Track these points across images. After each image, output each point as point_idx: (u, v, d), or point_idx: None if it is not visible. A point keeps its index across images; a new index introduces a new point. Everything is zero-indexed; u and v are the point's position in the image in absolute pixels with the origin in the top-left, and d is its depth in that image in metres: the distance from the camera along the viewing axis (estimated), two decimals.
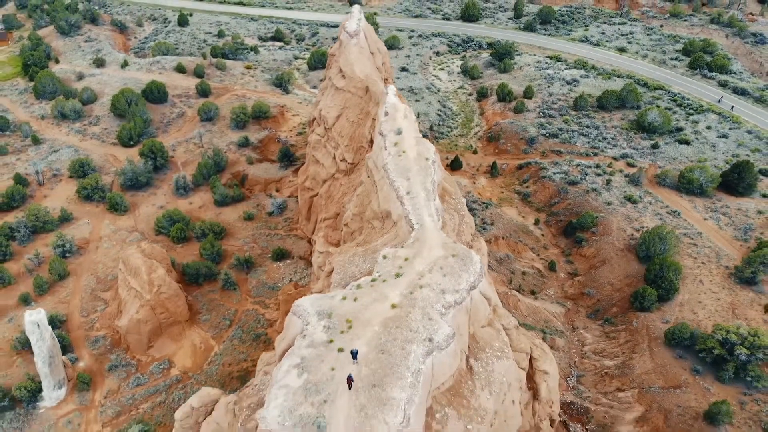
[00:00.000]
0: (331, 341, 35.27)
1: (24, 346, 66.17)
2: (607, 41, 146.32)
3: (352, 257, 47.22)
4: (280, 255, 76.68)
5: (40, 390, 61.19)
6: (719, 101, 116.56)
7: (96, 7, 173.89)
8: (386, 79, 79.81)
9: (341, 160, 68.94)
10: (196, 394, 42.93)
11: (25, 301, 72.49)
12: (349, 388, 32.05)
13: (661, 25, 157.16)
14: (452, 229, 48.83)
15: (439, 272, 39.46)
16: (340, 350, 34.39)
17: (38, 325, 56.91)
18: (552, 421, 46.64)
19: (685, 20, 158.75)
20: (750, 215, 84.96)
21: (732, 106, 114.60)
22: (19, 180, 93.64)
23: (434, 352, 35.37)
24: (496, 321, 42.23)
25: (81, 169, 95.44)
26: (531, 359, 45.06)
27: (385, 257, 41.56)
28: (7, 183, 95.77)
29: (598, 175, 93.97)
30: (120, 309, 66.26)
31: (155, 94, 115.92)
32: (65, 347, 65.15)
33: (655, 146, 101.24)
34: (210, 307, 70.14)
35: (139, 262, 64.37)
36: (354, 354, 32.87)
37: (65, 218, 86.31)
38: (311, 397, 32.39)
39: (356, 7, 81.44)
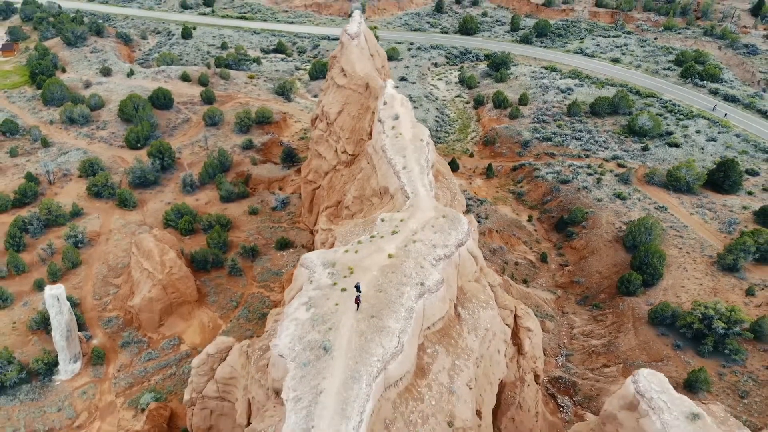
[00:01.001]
0: (335, 284, 41.09)
1: (39, 326, 71.71)
2: (601, 52, 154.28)
3: (353, 227, 53.23)
4: (284, 244, 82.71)
5: (56, 364, 66.54)
6: (713, 109, 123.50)
7: (101, 21, 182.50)
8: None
9: (342, 152, 75.37)
10: (211, 343, 48.57)
11: (40, 286, 78.07)
12: (357, 309, 37.98)
13: (656, 38, 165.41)
14: (445, 204, 54.89)
15: (430, 230, 45.49)
16: (343, 290, 40.20)
17: (58, 299, 62.54)
18: (537, 376, 52.14)
19: (679, 33, 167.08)
20: (735, 211, 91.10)
21: (725, 114, 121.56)
22: (31, 178, 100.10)
23: (425, 295, 41.16)
24: (482, 278, 48.07)
25: (90, 169, 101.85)
26: (516, 317, 50.79)
27: (383, 220, 47.60)
28: (18, 182, 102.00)
29: (589, 174, 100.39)
30: (132, 290, 71.99)
31: (161, 100, 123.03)
32: (80, 326, 70.52)
33: (645, 148, 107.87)
34: (217, 290, 75.92)
35: (151, 245, 70.36)
36: (357, 287, 38.72)
37: (76, 213, 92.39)
38: (318, 326, 38.12)
39: (357, 12, 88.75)
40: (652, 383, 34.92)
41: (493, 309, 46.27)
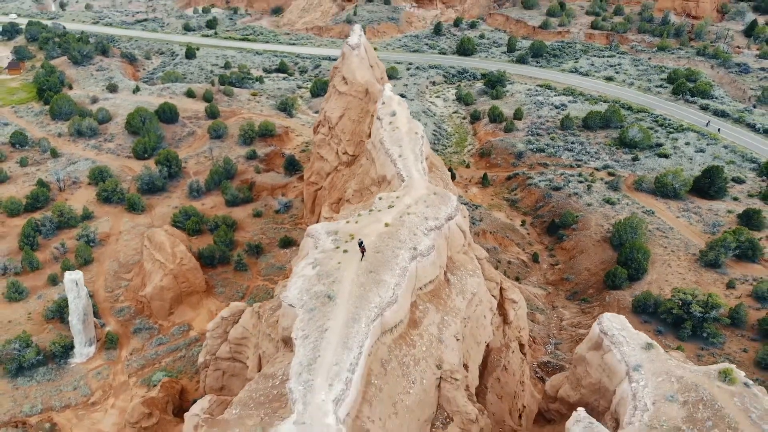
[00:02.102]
0: (337, 247, 47.79)
1: (54, 314, 77.96)
2: (595, 71, 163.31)
3: (352, 210, 60.20)
4: (287, 243, 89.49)
5: (72, 347, 72.68)
6: (707, 124, 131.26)
7: (106, 41, 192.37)
8: None
9: (343, 153, 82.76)
10: (225, 308, 54.99)
11: (54, 281, 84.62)
12: (362, 256, 44.74)
13: (649, 58, 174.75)
14: None
15: (423, 204, 52.41)
16: (345, 251, 46.87)
17: (76, 284, 69.06)
18: (521, 345, 58.47)
19: (672, 53, 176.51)
20: (720, 215, 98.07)
21: (719, 129, 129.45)
22: (42, 185, 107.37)
23: (418, 258, 47.82)
24: (470, 251, 54.82)
25: (100, 176, 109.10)
26: (501, 290, 57.40)
27: (380, 198, 54.55)
28: (28, 189, 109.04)
29: (580, 182, 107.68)
30: (144, 282, 78.51)
31: (167, 114, 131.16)
32: (94, 315, 76.93)
33: (635, 159, 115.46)
34: (224, 283, 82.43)
35: (163, 238, 77.18)
36: (360, 243, 45.56)
37: (87, 216, 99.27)
38: (323, 280, 44.75)
39: (357, 25, 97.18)
40: (613, 323, 41.49)
41: (479, 277, 52.93)
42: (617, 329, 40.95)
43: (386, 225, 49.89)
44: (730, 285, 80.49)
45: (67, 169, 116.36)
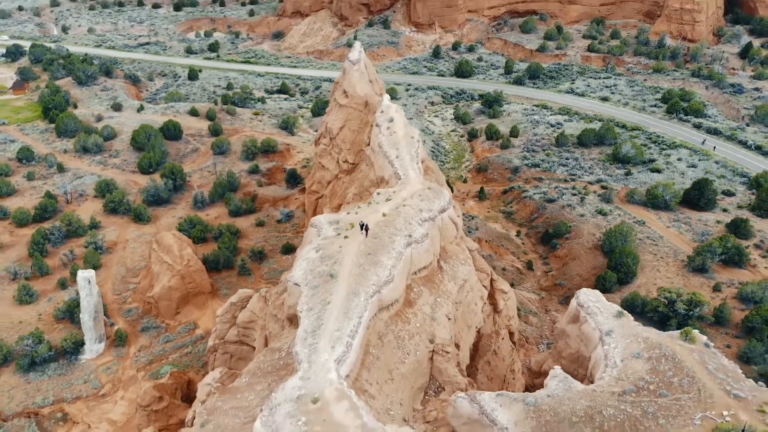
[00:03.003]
0: (338, 234, 53.35)
1: (65, 315, 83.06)
2: (591, 92, 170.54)
3: (352, 208, 65.82)
4: (289, 249, 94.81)
5: (82, 344, 77.63)
6: (703, 143, 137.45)
7: (109, 62, 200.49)
8: None
9: (344, 162, 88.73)
10: (234, 294, 60.19)
11: (63, 285, 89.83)
12: (366, 235, 50.24)
13: (645, 79, 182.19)
14: None
15: (417, 198, 58.05)
16: (346, 237, 52.39)
17: (89, 281, 74.35)
18: (511, 334, 63.52)
19: (668, 74, 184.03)
20: (709, 224, 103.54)
21: (714, 147, 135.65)
22: (50, 196, 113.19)
23: (413, 245, 53.22)
24: (462, 243, 60.31)
25: (106, 188, 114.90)
26: (492, 281, 62.71)
27: (378, 193, 60.26)
28: (35, 202, 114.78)
29: (574, 195, 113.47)
30: (152, 284, 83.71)
31: (171, 131, 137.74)
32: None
33: (628, 173, 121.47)
34: (228, 286, 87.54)
35: (171, 241, 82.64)
36: (362, 225, 51.17)
37: (94, 226, 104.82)
38: (326, 261, 50.13)
39: (357, 42, 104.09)
40: (589, 297, 46.81)
41: (470, 266, 58.34)
42: (592, 302, 46.27)
43: (383, 215, 55.45)
44: (716, 288, 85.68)
45: (73, 182, 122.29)
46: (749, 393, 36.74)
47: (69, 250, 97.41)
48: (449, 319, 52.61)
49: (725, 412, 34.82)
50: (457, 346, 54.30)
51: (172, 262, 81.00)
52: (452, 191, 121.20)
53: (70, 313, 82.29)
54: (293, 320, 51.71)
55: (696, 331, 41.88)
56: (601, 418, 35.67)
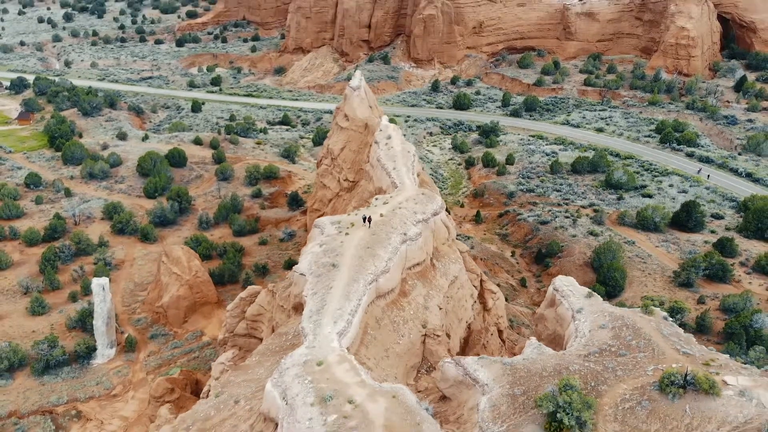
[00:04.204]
0: (340, 232, 60.96)
1: (76, 324, 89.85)
2: (587, 124, 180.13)
3: (353, 212, 73.57)
4: (291, 265, 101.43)
5: (94, 350, 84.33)
6: (698, 172, 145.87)
7: (114, 95, 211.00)
8: None
9: (344, 180, 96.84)
10: (243, 291, 67.29)
11: (74, 298, 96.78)
12: (369, 227, 57.76)
13: (640, 112, 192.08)
14: None
15: (412, 202, 65.83)
16: (347, 234, 59.97)
17: (103, 288, 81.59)
18: (500, 332, 70.43)
19: (663, 107, 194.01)
20: (697, 244, 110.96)
21: (708, 175, 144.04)
22: (59, 218, 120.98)
23: (407, 242, 60.77)
24: (453, 245, 67.85)
25: (113, 210, 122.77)
26: (481, 281, 69.98)
27: (376, 198, 68.09)
28: (44, 224, 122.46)
29: (567, 217, 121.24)
30: (160, 294, 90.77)
31: (176, 158, 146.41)
32: None
33: (620, 198, 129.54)
34: (233, 298, 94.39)
35: (180, 253, 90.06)
36: (365, 218, 58.79)
37: (102, 245, 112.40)
38: (328, 254, 57.58)
39: (358, 71, 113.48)
40: (563, 282, 54.11)
41: (461, 265, 65.74)
42: (566, 286, 53.54)
43: (381, 215, 63.18)
44: (700, 300, 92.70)
45: (80, 206, 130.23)
46: (698, 352, 43.81)
47: (79, 266, 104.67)
48: (440, 309, 59.82)
49: (674, 365, 41.81)
50: (448, 335, 61.30)
51: (181, 273, 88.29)
52: (449, 214, 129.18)
53: (82, 322, 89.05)
54: (299, 308, 58.79)
55: (656, 308, 49.12)
56: (567, 372, 42.62)
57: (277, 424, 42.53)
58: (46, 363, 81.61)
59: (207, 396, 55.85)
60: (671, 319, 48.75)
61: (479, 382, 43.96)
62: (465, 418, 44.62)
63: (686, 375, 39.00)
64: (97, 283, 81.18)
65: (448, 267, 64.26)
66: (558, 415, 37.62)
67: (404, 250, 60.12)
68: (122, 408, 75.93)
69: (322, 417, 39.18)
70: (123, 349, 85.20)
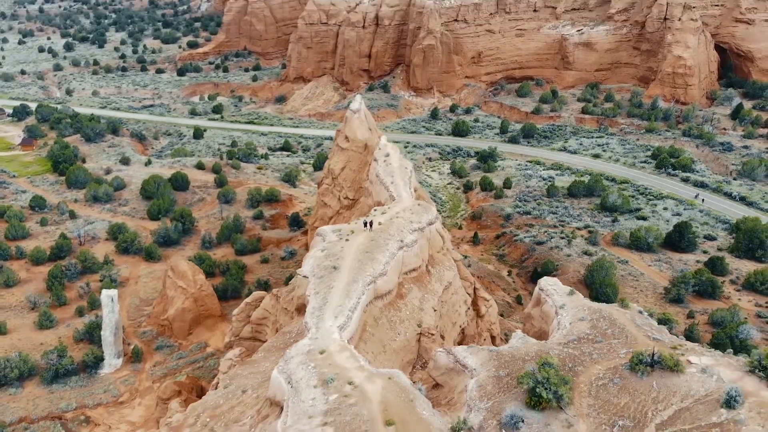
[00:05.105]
0: (341, 238, 66.74)
1: (84, 337, 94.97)
2: (584, 150, 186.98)
3: (353, 221, 79.39)
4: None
5: (101, 360, 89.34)
6: (696, 197, 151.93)
7: (116, 122, 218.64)
8: None
9: (345, 198, 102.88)
10: (249, 296, 72.66)
11: (80, 313, 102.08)
12: (370, 230, 63.49)
13: (637, 139, 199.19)
14: None
15: (409, 212, 71.66)
16: (347, 240, 65.71)
17: (112, 299, 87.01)
18: (493, 338, 75.62)
19: (660, 134, 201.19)
20: (689, 264, 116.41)
21: (703, 199, 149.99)
22: (65, 237, 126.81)
23: (404, 248, 66.47)
24: (448, 254, 73.51)
25: (118, 231, 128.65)
26: (475, 289, 75.45)
27: (375, 209, 74.00)
28: (49, 244, 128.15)
29: (562, 238, 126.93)
30: (166, 308, 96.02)
31: (179, 182, 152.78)
32: None
33: (614, 220, 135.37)
34: None
35: (185, 267, 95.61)
36: (365, 223, 64.54)
37: (108, 263, 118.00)
38: (330, 258, 63.23)
39: (358, 95, 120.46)
40: (548, 282, 59.66)
41: (455, 272, 71.30)
42: (550, 286, 59.09)
43: (379, 224, 69.06)
44: (690, 315, 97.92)
45: (85, 227, 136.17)
46: (668, 339, 49.24)
47: (85, 283, 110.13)
48: (435, 311, 65.23)
49: (644, 349, 47.19)
50: (442, 336, 66.60)
51: (186, 286, 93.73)
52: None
53: (89, 334, 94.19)
54: (301, 310, 64.23)
55: (631, 303, 54.61)
56: (548, 359, 47.99)
57: (282, 408, 47.70)
58: (55, 372, 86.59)
59: (216, 388, 60.97)
60: (645, 313, 54.18)
61: (468, 367, 49.17)
62: (455, 400, 49.76)
63: (653, 354, 44.35)
64: (106, 295, 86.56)
65: (442, 273, 69.81)
66: (537, 390, 42.78)
67: (401, 255, 65.73)
68: (129, 413, 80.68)
69: (324, 396, 44.24)
70: (129, 360, 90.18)
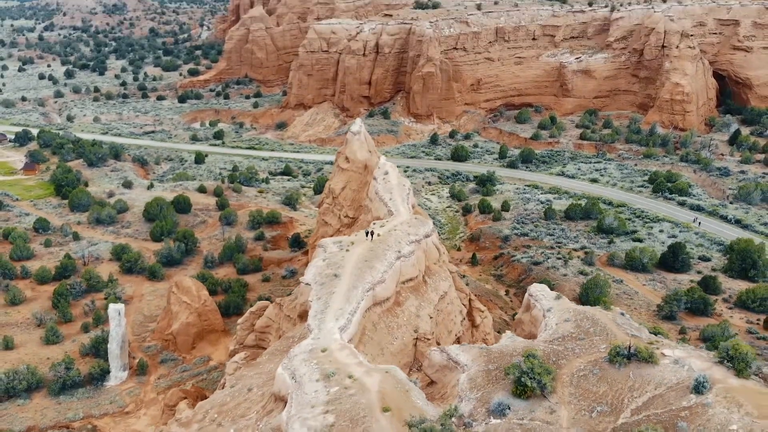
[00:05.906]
0: (341, 249, 71.83)
1: (90, 351, 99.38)
2: (582, 175, 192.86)
3: (352, 234, 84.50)
4: None
5: (107, 372, 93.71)
6: (694, 221, 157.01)
7: (118, 147, 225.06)
8: None
9: (345, 217, 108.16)
10: (254, 305, 77.39)
11: (86, 329, 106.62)
12: (371, 240, 68.53)
13: (635, 164, 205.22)
14: None
15: (406, 225, 76.84)
16: (347, 250, 70.79)
17: (119, 313, 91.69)
18: None
19: (657, 159, 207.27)
20: (683, 284, 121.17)
21: (699, 222, 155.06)
22: (69, 257, 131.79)
23: (401, 258, 71.54)
24: (443, 266, 78.51)
25: (121, 251, 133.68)
26: (470, 300, 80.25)
27: (374, 223, 79.20)
28: (53, 265, 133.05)
29: (559, 259, 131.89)
30: (170, 323, 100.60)
31: (181, 204, 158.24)
32: None
33: (611, 242, 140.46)
34: None
35: (189, 283, 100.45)
36: (367, 233, 69.64)
37: (112, 281, 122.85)
38: (331, 267, 68.25)
39: (359, 119, 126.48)
40: (537, 288, 64.57)
41: (450, 283, 76.25)
42: (539, 291, 63.97)
43: (378, 235, 74.24)
44: (682, 331, 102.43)
45: (88, 249, 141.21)
46: (645, 335, 54.08)
47: (90, 301, 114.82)
48: (431, 318, 70.07)
49: (622, 342, 51.98)
50: (438, 343, 71.27)
51: (190, 301, 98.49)
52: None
53: (95, 348, 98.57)
54: (304, 317, 68.90)
55: (613, 306, 59.48)
56: (533, 352, 52.76)
57: (286, 402, 52.33)
58: (62, 384, 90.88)
59: (223, 388, 65.49)
60: (627, 315, 59.03)
61: (460, 363, 53.87)
62: (448, 393, 54.38)
63: (630, 347, 49.17)
64: (114, 308, 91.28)
65: (438, 284, 74.74)
66: (522, 379, 47.46)
67: (398, 265, 70.78)
68: (135, 423, 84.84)
69: (326, 389, 48.87)
70: (135, 373, 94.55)
